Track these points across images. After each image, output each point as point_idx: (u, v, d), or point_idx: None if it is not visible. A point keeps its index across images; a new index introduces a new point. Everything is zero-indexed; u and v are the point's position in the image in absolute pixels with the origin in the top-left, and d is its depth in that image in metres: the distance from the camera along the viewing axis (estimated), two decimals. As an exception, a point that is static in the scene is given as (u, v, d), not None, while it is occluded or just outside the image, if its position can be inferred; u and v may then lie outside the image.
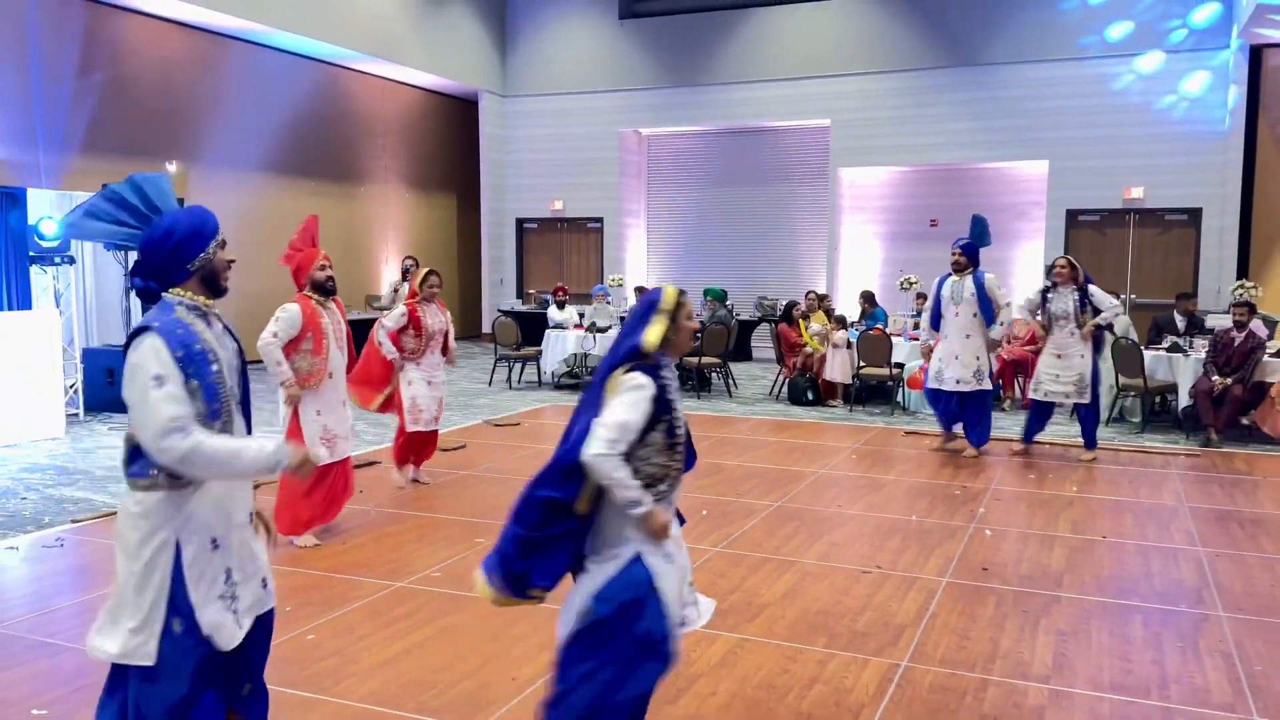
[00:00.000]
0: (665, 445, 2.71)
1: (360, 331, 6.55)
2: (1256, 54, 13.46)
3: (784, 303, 13.04)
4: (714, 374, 11.89)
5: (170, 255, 2.61)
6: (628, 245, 17.52)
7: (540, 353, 12.18)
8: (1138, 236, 14.51)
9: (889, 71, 15.43)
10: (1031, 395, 8.07)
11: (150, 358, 2.48)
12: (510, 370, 12.39)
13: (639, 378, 2.67)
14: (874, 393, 11.00)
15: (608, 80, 17.07)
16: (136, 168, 9.77)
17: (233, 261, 2.74)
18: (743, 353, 15.15)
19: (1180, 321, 10.08)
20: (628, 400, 2.65)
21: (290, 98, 14.43)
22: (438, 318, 6.69)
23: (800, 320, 11.41)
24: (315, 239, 5.59)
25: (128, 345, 2.57)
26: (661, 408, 2.68)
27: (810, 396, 10.86)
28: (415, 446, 6.79)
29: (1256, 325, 10.09)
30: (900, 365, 10.36)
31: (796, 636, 4.17)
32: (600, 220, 17.45)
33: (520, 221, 18.08)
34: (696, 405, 10.83)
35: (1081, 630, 4.28)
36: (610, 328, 11.62)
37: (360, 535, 5.67)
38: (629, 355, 2.73)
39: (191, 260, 2.62)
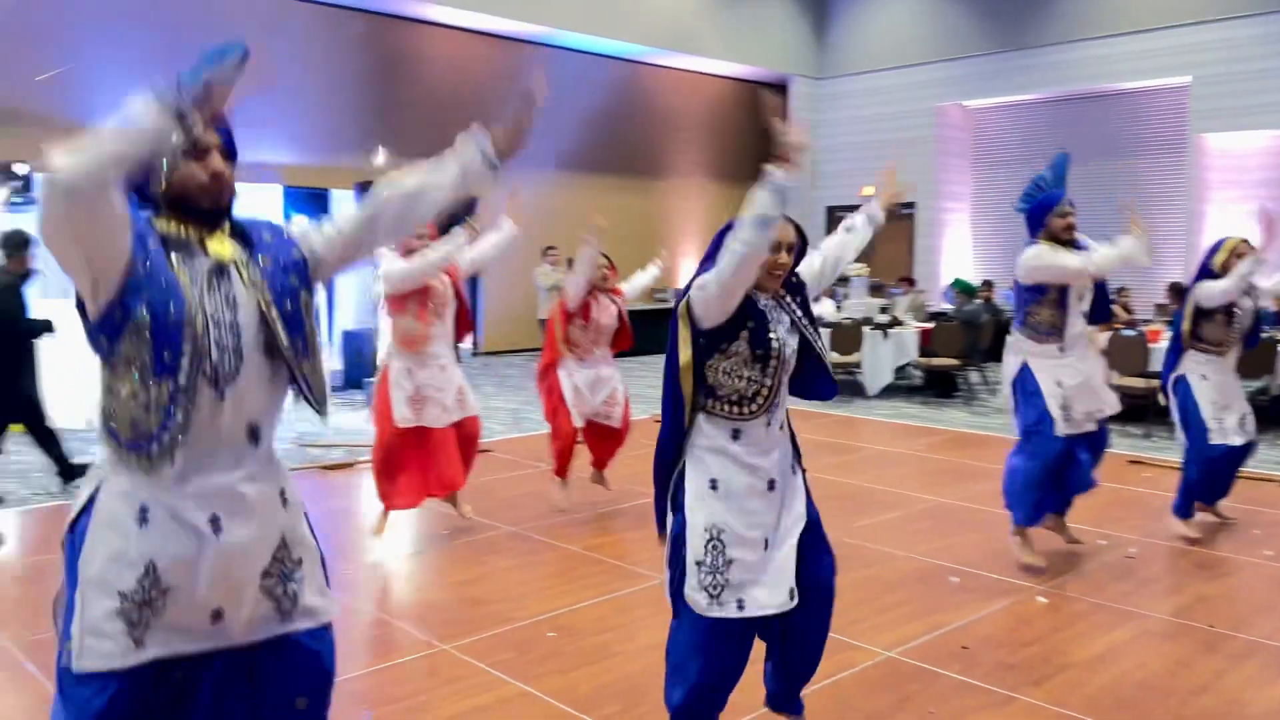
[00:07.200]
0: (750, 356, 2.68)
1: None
2: None
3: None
4: (959, 376, 10.48)
5: None
6: (944, 232, 16.01)
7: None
8: None
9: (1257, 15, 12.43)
10: None
11: None
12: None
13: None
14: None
15: (926, 51, 15.71)
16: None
17: None
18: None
19: None
20: None
21: (586, 96, 14.76)
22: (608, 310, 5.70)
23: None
24: None
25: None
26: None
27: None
28: (592, 442, 5.83)
29: None
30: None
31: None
32: (912, 205, 16.11)
33: (830, 210, 17.28)
34: (919, 412, 9.66)
35: None
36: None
37: None
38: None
39: None
